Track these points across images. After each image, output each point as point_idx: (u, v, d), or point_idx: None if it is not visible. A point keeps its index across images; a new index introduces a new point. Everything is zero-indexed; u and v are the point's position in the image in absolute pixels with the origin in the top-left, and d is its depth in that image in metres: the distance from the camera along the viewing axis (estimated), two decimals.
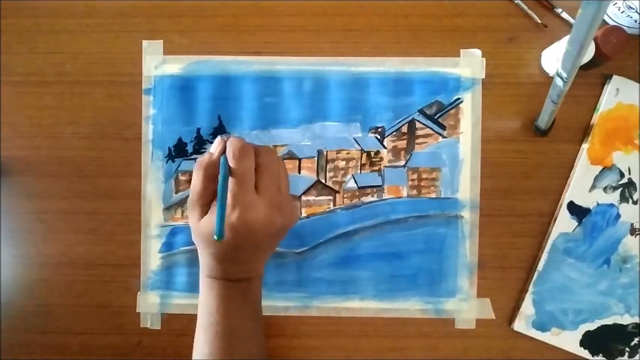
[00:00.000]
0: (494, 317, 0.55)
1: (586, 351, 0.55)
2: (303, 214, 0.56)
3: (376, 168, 0.56)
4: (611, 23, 0.54)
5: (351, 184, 0.56)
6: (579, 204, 0.55)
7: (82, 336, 0.57)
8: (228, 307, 0.43)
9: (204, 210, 0.42)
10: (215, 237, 0.37)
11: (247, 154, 0.40)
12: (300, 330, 0.56)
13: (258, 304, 0.47)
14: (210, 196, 0.42)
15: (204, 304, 0.45)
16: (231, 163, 0.40)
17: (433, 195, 0.56)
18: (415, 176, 0.56)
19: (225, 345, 0.43)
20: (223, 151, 0.42)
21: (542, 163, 0.56)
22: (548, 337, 0.55)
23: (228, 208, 0.39)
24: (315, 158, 0.56)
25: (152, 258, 0.56)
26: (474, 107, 0.56)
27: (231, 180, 0.39)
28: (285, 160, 0.56)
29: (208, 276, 0.44)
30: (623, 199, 0.55)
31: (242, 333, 0.44)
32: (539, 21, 0.56)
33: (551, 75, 0.55)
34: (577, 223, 0.55)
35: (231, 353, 0.43)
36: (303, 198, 0.56)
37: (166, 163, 0.56)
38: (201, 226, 0.42)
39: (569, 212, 0.55)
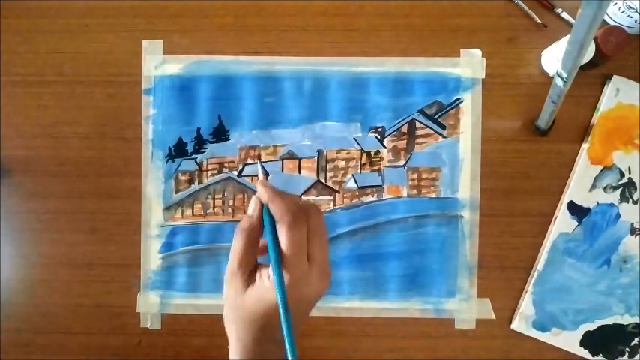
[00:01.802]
0: (494, 317, 0.55)
1: (586, 351, 0.55)
2: None
3: (376, 168, 0.56)
4: (611, 23, 0.54)
5: (351, 184, 0.56)
6: (579, 204, 0.55)
7: (82, 336, 0.57)
8: None
9: (248, 280, 0.37)
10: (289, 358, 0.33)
11: (301, 222, 0.35)
12: (300, 330, 0.56)
13: None
14: (252, 264, 0.37)
15: None
16: (285, 234, 0.35)
17: (433, 195, 0.56)
18: (415, 176, 0.56)
19: None
20: (261, 210, 0.38)
21: (542, 163, 0.56)
22: (548, 337, 0.55)
23: (286, 282, 0.35)
24: (315, 158, 0.56)
25: (152, 258, 0.56)
26: (474, 107, 0.56)
27: (286, 252, 0.35)
28: (285, 160, 0.57)
29: (248, 357, 0.38)
30: (623, 199, 0.55)
31: None
32: (539, 21, 0.56)
33: (551, 75, 0.55)
34: (577, 223, 0.55)
35: None
36: (303, 198, 0.56)
37: (166, 163, 0.56)
38: (246, 300, 0.36)
39: (569, 212, 0.55)
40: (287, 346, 0.34)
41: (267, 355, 0.38)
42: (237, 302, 0.37)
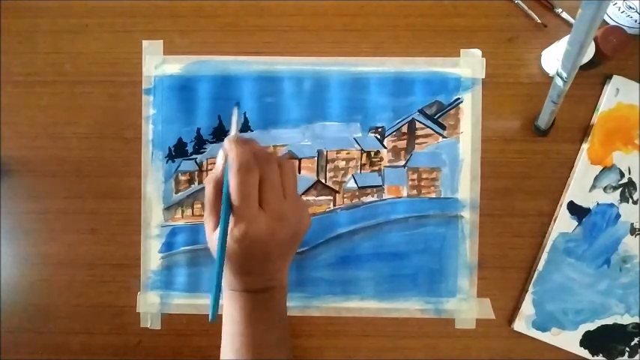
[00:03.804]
0: (494, 317, 0.55)
1: (586, 351, 0.55)
2: None
3: (376, 168, 0.56)
4: (611, 23, 0.54)
5: (351, 184, 0.56)
6: (579, 204, 0.55)
7: (82, 336, 0.57)
8: (251, 318, 0.44)
9: (217, 222, 0.42)
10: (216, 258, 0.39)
11: (249, 170, 0.40)
12: (300, 330, 0.56)
13: (282, 313, 0.47)
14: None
15: (228, 315, 0.45)
16: (234, 180, 0.39)
17: (433, 195, 0.56)
18: (415, 176, 0.56)
19: (251, 355, 0.44)
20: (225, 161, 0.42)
21: (542, 163, 0.56)
22: (548, 337, 0.55)
23: (232, 223, 0.40)
24: (315, 158, 0.56)
25: (152, 258, 0.56)
26: (474, 107, 0.56)
27: (234, 196, 0.39)
28: None
29: (229, 289, 0.45)
30: (623, 198, 0.55)
31: (267, 343, 0.45)
32: (539, 21, 0.56)
33: (551, 75, 0.55)
34: (577, 223, 0.55)
35: None
36: (303, 198, 0.56)
37: (166, 163, 0.56)
38: (214, 239, 0.42)
39: (569, 212, 0.55)
40: (211, 301, 0.38)
41: (247, 286, 0.44)
42: (212, 241, 0.42)
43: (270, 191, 0.41)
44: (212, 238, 0.42)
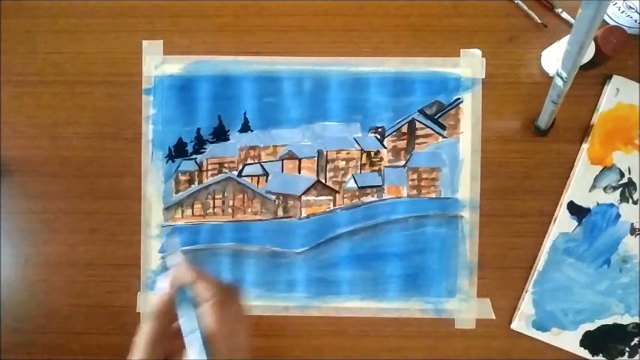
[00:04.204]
0: (494, 317, 0.55)
1: (586, 351, 0.55)
2: (303, 214, 0.56)
3: (376, 168, 0.56)
4: (611, 23, 0.54)
5: (351, 184, 0.56)
6: (579, 204, 0.55)
7: (82, 336, 0.57)
8: None
9: None
10: None
11: (230, 302, 0.36)
12: (300, 330, 0.56)
13: None
14: (161, 354, 0.36)
15: None
16: (215, 314, 0.34)
17: (433, 195, 0.56)
18: (415, 176, 0.56)
19: None
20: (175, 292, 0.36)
21: (542, 163, 0.56)
22: (548, 337, 0.55)
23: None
24: (315, 158, 0.56)
25: (152, 258, 0.56)
26: (474, 107, 0.56)
27: (212, 333, 0.34)
28: (285, 160, 0.57)
29: None
30: (623, 198, 0.55)
31: None
32: (539, 21, 0.56)
33: (551, 75, 0.55)
34: (577, 223, 0.55)
35: None
36: (303, 198, 0.56)
37: (166, 163, 0.56)
38: None
39: (569, 212, 0.55)
40: None
41: None
42: None
43: (246, 330, 0.36)
44: None
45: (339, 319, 0.56)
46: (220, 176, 0.57)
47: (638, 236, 0.55)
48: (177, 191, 0.57)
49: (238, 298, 0.37)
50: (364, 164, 0.57)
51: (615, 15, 0.54)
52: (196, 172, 0.57)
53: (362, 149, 0.56)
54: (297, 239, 0.56)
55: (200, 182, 0.57)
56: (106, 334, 0.57)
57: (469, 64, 0.56)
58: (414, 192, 0.56)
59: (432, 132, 0.56)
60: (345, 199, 0.56)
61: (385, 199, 0.56)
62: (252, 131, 0.56)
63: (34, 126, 0.57)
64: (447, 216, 0.56)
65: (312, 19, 0.57)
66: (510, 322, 0.56)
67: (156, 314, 0.35)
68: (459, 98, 0.56)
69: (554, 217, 0.55)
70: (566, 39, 0.43)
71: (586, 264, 0.55)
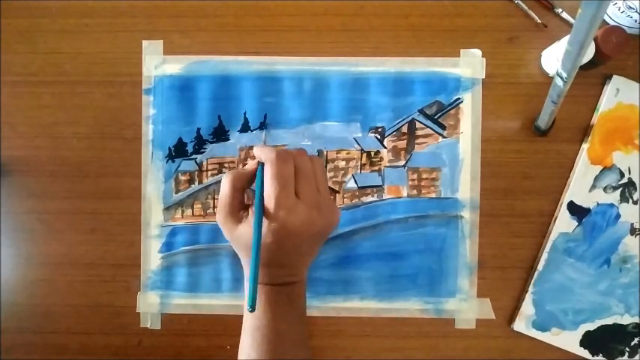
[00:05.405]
0: (494, 317, 0.55)
1: (586, 351, 0.55)
2: None
3: (376, 168, 0.56)
4: (611, 23, 0.54)
5: (351, 184, 0.56)
6: (579, 204, 0.55)
7: (82, 336, 0.57)
8: (274, 312, 0.43)
9: (237, 218, 0.43)
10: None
11: (286, 160, 0.41)
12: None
13: (303, 308, 0.47)
14: (239, 205, 0.44)
15: None
16: (272, 169, 0.40)
17: (433, 195, 0.56)
18: (415, 176, 0.56)
19: (273, 348, 0.43)
20: (256, 167, 0.44)
21: (542, 163, 0.56)
22: (548, 337, 0.55)
23: (272, 210, 0.40)
24: None
25: (152, 258, 0.56)
26: (474, 107, 0.56)
27: (272, 184, 0.40)
28: None
29: None
30: (623, 199, 0.55)
31: (289, 337, 0.44)
32: (539, 21, 0.56)
33: (551, 75, 0.55)
34: (577, 223, 0.55)
35: (279, 356, 0.43)
36: None
37: (166, 163, 0.56)
38: (239, 235, 0.42)
39: (569, 212, 0.55)
40: (248, 291, 0.38)
41: (272, 279, 0.43)
42: (237, 239, 0.43)
43: (306, 182, 0.41)
44: (237, 236, 0.42)
45: (339, 319, 0.56)
46: (220, 176, 0.57)
47: (638, 236, 0.55)
48: (177, 191, 0.57)
49: (300, 157, 0.42)
50: (364, 164, 0.57)
51: (615, 15, 0.54)
52: (196, 172, 0.57)
53: (362, 149, 0.56)
54: None
55: (200, 182, 0.57)
56: (106, 334, 0.57)
57: (469, 64, 0.56)
58: (414, 192, 0.56)
59: (432, 132, 0.56)
60: (345, 199, 0.56)
61: (385, 199, 0.56)
62: (252, 131, 0.56)
63: (34, 126, 0.57)
64: (447, 216, 0.56)
65: (312, 19, 0.57)
66: (510, 322, 0.56)
67: (232, 175, 0.43)
68: (459, 98, 0.56)
69: (554, 217, 0.55)
70: (566, 39, 0.44)
71: (586, 264, 0.55)
